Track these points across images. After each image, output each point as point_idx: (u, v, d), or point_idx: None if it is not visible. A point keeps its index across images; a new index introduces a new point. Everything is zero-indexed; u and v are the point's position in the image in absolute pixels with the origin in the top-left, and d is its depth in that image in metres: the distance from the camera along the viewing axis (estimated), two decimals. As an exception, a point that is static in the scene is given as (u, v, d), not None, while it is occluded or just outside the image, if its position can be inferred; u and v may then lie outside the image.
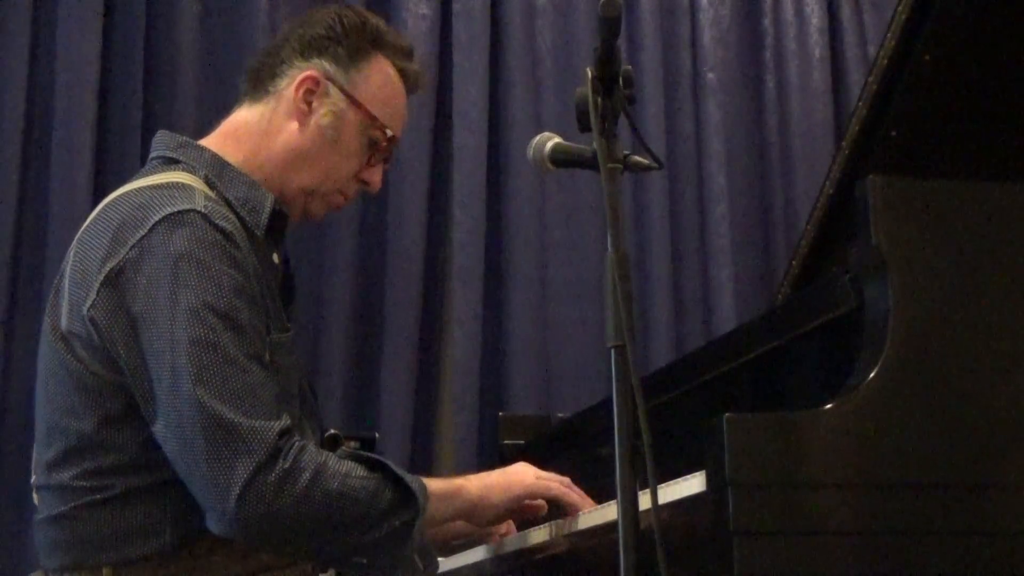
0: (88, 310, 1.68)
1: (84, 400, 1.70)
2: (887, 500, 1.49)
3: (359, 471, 1.67)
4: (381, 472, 1.70)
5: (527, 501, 1.91)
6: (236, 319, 1.66)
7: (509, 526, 2.05)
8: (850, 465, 1.49)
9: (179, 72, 3.27)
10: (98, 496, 1.69)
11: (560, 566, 1.95)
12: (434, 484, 1.78)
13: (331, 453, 1.69)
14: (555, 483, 1.90)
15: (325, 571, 1.86)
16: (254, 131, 1.90)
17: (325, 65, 1.90)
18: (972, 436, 1.55)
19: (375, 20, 1.96)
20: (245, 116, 1.92)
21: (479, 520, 1.90)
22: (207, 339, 1.62)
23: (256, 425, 1.60)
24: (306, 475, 1.60)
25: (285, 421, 1.63)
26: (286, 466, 1.59)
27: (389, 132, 1.94)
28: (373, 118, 1.92)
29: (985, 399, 1.57)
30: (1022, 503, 1.54)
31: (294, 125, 1.89)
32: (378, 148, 1.95)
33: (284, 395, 1.72)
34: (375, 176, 1.97)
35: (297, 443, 1.63)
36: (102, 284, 1.67)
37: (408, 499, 1.69)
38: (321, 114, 1.89)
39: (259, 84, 1.93)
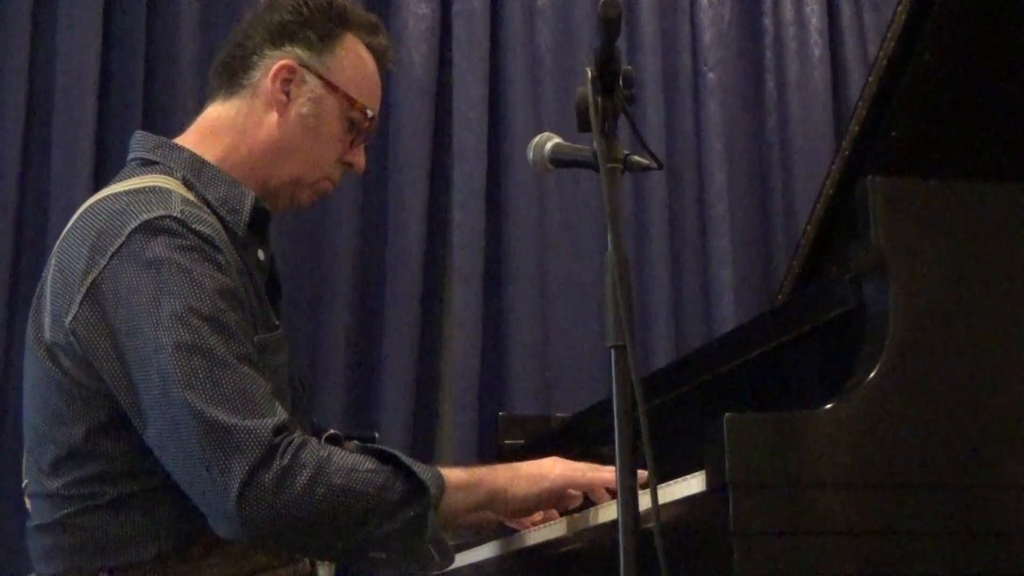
0: (70, 323, 1.66)
1: (71, 409, 1.68)
2: (887, 500, 1.49)
3: (367, 464, 1.65)
4: (392, 464, 1.67)
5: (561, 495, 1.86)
6: (221, 321, 1.64)
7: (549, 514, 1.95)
8: (850, 465, 1.49)
9: (179, 72, 3.27)
10: (90, 503, 1.68)
11: (561, 566, 1.95)
12: (455, 474, 1.74)
13: (336, 448, 1.67)
14: (584, 474, 1.84)
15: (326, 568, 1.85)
16: (232, 126, 1.87)
17: (298, 52, 1.87)
18: (972, 436, 1.55)
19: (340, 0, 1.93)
20: (221, 112, 1.89)
21: (504, 511, 1.84)
22: (194, 343, 1.60)
23: (250, 424, 1.58)
24: (307, 472, 1.58)
25: (281, 417, 1.61)
26: (284, 463, 1.57)
27: (369, 112, 1.92)
28: (352, 100, 1.89)
29: (985, 399, 1.57)
30: (1022, 503, 1.54)
31: (274, 116, 1.86)
32: (359, 129, 1.92)
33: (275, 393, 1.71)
34: (359, 157, 1.95)
35: (297, 439, 1.61)
36: (84, 297, 1.65)
37: (420, 492, 1.66)
38: (300, 103, 1.87)
39: (232, 78, 1.89)
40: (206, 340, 1.61)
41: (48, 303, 1.72)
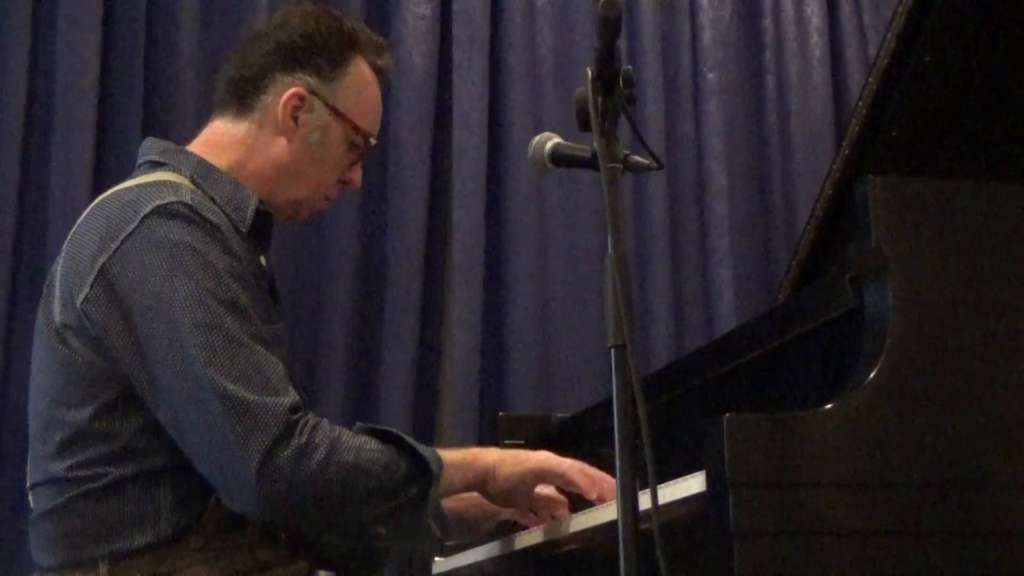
0: (82, 303, 1.69)
1: (78, 390, 1.71)
2: (887, 500, 1.49)
3: (372, 444, 1.69)
4: (395, 443, 1.72)
5: (548, 492, 1.92)
6: (236, 302, 1.68)
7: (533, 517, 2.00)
8: (850, 465, 1.49)
9: (179, 72, 3.27)
10: (92, 486, 1.69)
11: (561, 566, 1.95)
12: (449, 454, 1.80)
13: (344, 428, 1.71)
14: (568, 464, 1.89)
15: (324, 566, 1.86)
16: (240, 144, 1.91)
17: (309, 79, 1.90)
18: (972, 436, 1.55)
19: (349, 20, 1.97)
20: (229, 129, 1.92)
21: (493, 490, 1.88)
22: (210, 322, 1.64)
23: (267, 401, 1.62)
24: (321, 450, 1.62)
25: (294, 397, 1.65)
26: (301, 441, 1.61)
27: (373, 140, 1.97)
28: (357, 127, 1.94)
29: (985, 399, 1.56)
30: (1022, 503, 1.54)
31: (282, 142, 1.90)
32: (360, 152, 1.97)
33: None
34: (356, 175, 2.00)
35: (312, 419, 1.65)
36: (96, 279, 1.68)
37: (422, 469, 1.71)
38: (308, 130, 1.91)
39: (243, 97, 1.92)
40: (222, 319, 1.65)
41: (58, 289, 1.75)
